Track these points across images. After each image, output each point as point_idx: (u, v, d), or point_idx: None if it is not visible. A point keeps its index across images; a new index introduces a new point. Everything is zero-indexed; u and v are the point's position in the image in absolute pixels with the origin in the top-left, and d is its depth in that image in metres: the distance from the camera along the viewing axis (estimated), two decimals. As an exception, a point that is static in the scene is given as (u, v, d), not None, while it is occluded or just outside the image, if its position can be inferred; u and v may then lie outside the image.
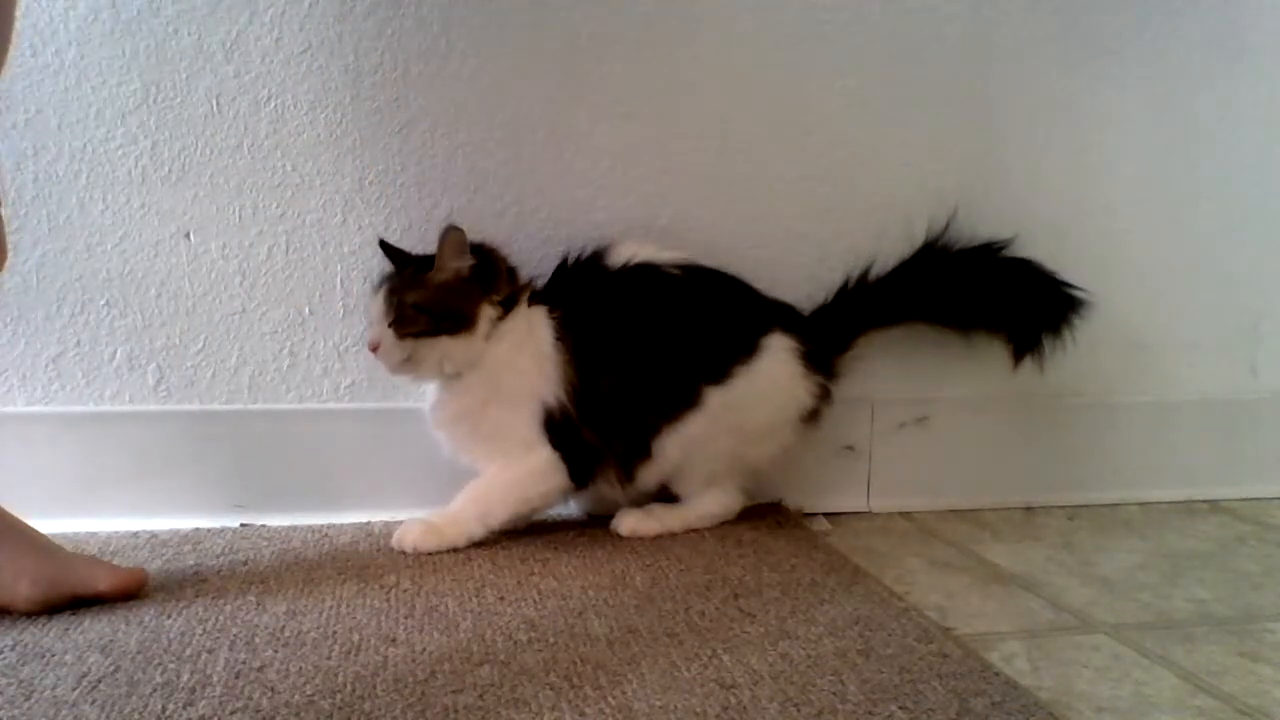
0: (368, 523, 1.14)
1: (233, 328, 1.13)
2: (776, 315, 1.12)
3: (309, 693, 0.73)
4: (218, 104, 1.10)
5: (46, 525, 1.07)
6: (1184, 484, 1.34)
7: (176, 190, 1.10)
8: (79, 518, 1.09)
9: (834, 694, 0.75)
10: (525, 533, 1.11)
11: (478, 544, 1.06)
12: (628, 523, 1.10)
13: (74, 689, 0.74)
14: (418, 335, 1.03)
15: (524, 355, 1.06)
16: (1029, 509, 1.29)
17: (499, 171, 1.15)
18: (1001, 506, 1.29)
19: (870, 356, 1.25)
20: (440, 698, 0.73)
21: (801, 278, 1.21)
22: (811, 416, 1.14)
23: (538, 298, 1.10)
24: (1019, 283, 1.20)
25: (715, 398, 1.08)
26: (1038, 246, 1.28)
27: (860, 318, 1.18)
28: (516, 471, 1.06)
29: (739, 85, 1.19)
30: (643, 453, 1.08)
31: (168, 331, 1.12)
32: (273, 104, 1.10)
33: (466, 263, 1.05)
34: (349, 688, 0.74)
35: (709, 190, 1.20)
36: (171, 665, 0.77)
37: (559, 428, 1.06)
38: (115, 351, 1.12)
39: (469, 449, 1.08)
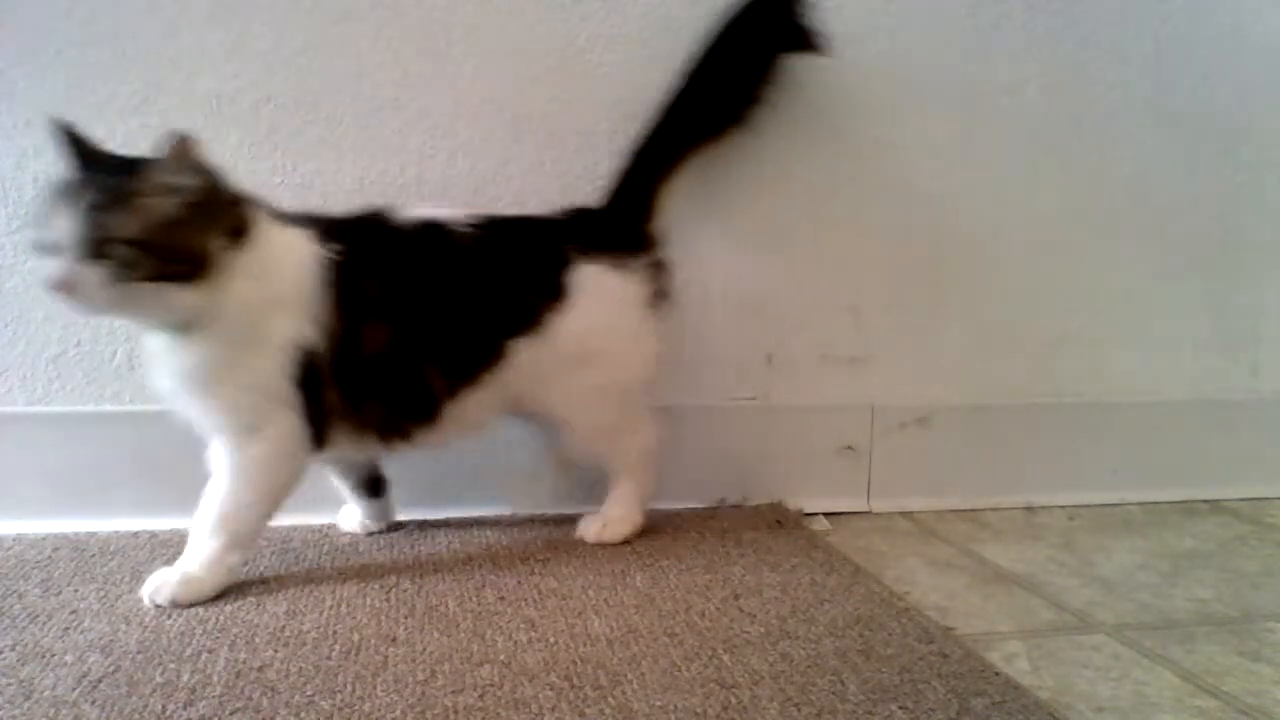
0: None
1: (233, 328, 1.13)
2: (572, 236, 1.03)
3: (309, 693, 0.73)
4: (218, 104, 1.10)
5: (47, 525, 1.07)
6: (1184, 484, 1.34)
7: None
8: (79, 518, 1.09)
9: (834, 694, 0.75)
10: (525, 532, 1.11)
11: (468, 547, 1.06)
12: (593, 530, 1.08)
13: (74, 689, 0.74)
14: (133, 281, 0.81)
15: (272, 285, 0.89)
16: (1029, 509, 1.29)
17: (499, 171, 1.15)
18: (1001, 506, 1.29)
19: (871, 358, 1.25)
20: (440, 698, 0.73)
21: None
22: (657, 298, 1.07)
23: (293, 222, 0.94)
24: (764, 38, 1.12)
25: (525, 350, 0.99)
26: (1033, 245, 1.29)
27: (647, 177, 1.09)
28: (255, 456, 0.91)
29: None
30: (424, 415, 0.97)
31: (168, 331, 1.12)
32: (273, 104, 1.10)
33: (197, 183, 0.84)
34: (349, 688, 0.74)
35: (706, 190, 1.20)
36: (171, 665, 0.77)
37: (309, 380, 0.91)
38: (115, 351, 1.12)
39: (199, 416, 0.92)
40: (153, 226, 0.81)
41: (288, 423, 0.91)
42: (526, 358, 0.99)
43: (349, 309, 0.92)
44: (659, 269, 1.08)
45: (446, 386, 0.97)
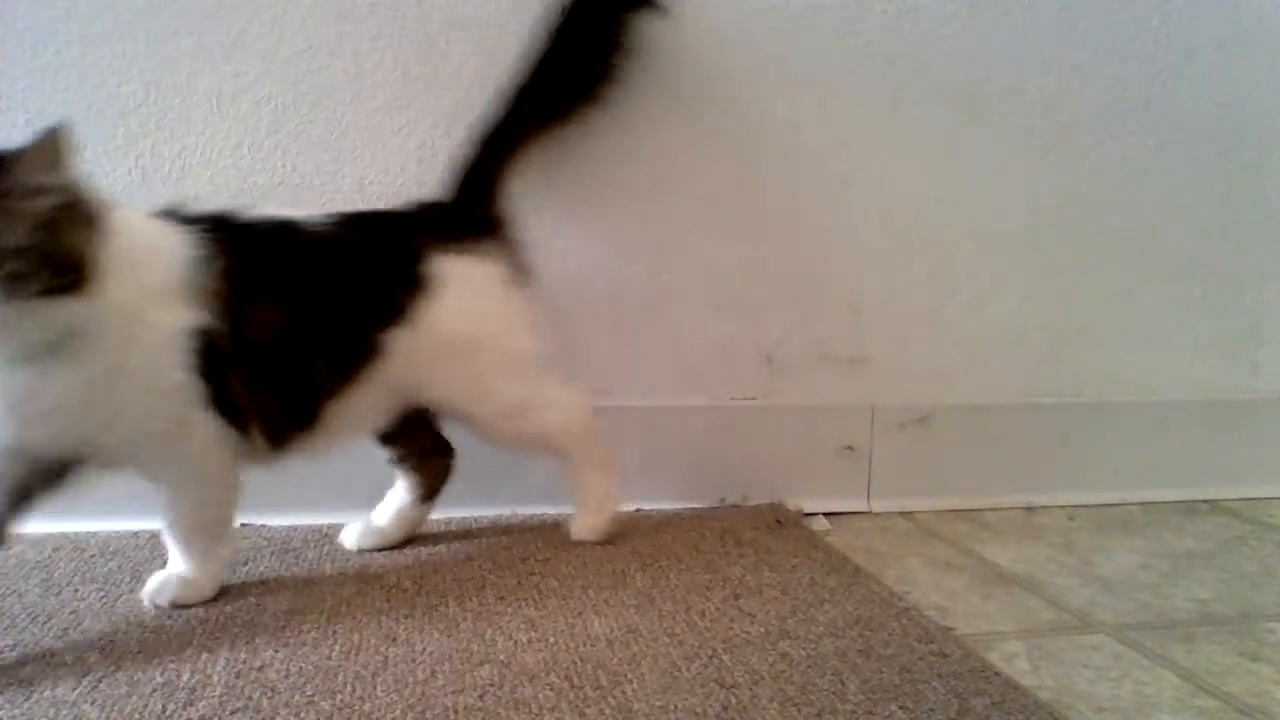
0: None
1: (233, 328, 1.13)
2: (423, 227, 1.00)
3: (309, 693, 0.73)
4: (218, 104, 1.10)
5: (47, 525, 1.07)
6: (1184, 484, 1.34)
7: (176, 190, 1.10)
8: (80, 518, 1.09)
9: (834, 694, 0.75)
10: (525, 532, 1.11)
11: (468, 547, 1.06)
12: (577, 527, 1.08)
13: (74, 689, 0.74)
14: (24, 299, 0.72)
15: (144, 277, 0.81)
16: (1029, 509, 1.29)
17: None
18: (1001, 506, 1.29)
19: (871, 358, 1.25)
20: (440, 698, 0.73)
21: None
22: (517, 277, 1.03)
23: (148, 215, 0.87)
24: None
25: (398, 342, 0.95)
26: (1033, 245, 1.29)
27: (488, 162, 1.07)
28: (187, 465, 0.87)
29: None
30: (304, 420, 0.92)
31: (168, 331, 1.12)
32: (273, 104, 1.10)
33: (64, 180, 0.75)
34: (349, 688, 0.74)
35: (704, 187, 1.20)
36: (171, 665, 0.77)
37: (211, 369, 0.84)
38: (115, 351, 1.11)
39: (100, 447, 0.84)
40: (37, 231, 0.71)
41: (203, 421, 0.85)
42: (401, 349, 0.95)
43: (229, 293, 0.85)
44: (511, 250, 1.04)
45: (328, 383, 0.93)
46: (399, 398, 0.99)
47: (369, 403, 0.97)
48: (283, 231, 0.93)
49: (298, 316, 0.91)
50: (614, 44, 1.10)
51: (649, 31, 1.15)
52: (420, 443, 1.07)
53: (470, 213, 1.05)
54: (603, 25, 1.09)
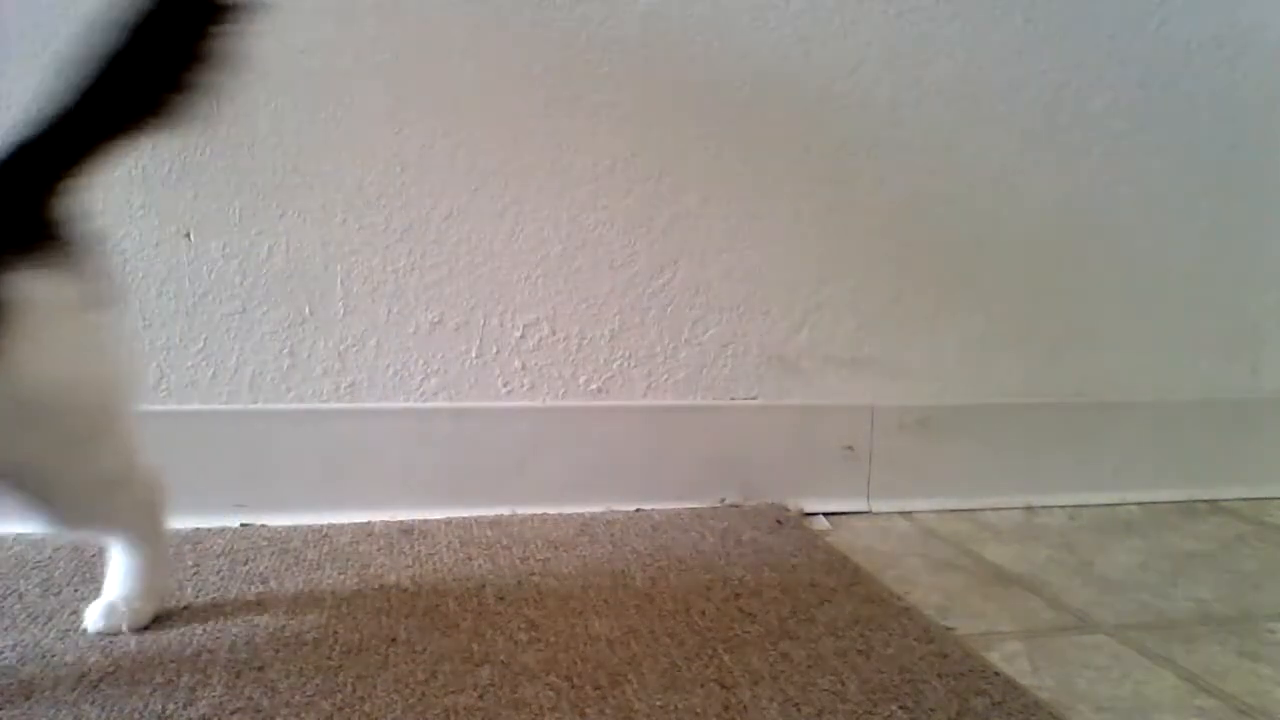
0: (368, 523, 1.14)
1: (233, 328, 1.13)
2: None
3: (309, 693, 0.73)
4: (218, 104, 1.10)
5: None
6: (1184, 484, 1.34)
7: (177, 190, 1.10)
8: (79, 518, 1.09)
9: (834, 694, 0.75)
10: (525, 532, 1.11)
11: (468, 548, 1.06)
12: (104, 620, 0.83)
13: (74, 689, 0.73)
14: None
15: None
16: (1029, 509, 1.29)
17: (499, 171, 1.15)
18: (1001, 506, 1.29)
19: (871, 358, 1.25)
20: (440, 698, 0.73)
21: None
22: (100, 297, 0.77)
23: None
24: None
25: None
26: (1033, 245, 1.29)
27: (67, 150, 0.82)
28: None
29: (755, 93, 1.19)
30: None
31: (168, 331, 1.12)
32: (273, 104, 1.10)
33: None
34: (349, 688, 0.74)
35: (704, 187, 1.20)
36: (171, 665, 0.77)
37: None
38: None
39: None
40: None
41: None
42: None
43: None
44: (86, 262, 0.77)
45: None
46: None
47: None
48: None
49: None
50: (193, 55, 0.84)
51: (650, 31, 1.15)
52: None
53: (37, 216, 0.77)
54: (186, 33, 0.85)
